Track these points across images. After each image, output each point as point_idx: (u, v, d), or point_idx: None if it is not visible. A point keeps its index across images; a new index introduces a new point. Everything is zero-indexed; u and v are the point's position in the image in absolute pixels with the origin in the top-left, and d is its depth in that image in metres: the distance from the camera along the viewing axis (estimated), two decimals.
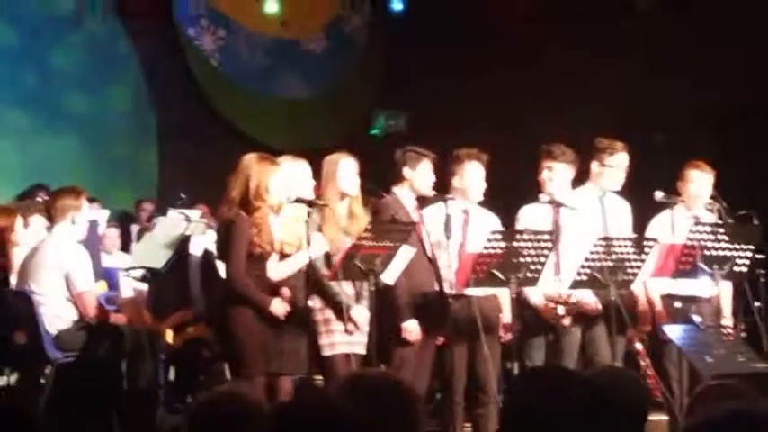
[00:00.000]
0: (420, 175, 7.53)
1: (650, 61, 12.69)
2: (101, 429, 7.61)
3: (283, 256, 7.06)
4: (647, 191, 7.93)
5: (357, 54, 15.53)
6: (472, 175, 7.68)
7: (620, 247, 7.29)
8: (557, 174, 7.79)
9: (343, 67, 15.33)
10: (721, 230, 7.50)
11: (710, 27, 12.30)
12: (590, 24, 12.84)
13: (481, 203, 7.81)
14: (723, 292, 7.78)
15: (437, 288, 7.40)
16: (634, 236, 7.74)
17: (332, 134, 13.71)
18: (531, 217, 7.77)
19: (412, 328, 7.27)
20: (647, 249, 7.35)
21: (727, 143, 11.55)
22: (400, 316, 7.27)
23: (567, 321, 7.62)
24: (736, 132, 12.03)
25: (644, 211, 8.15)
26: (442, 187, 7.68)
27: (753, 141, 11.94)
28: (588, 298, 7.59)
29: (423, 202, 7.64)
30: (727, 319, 7.94)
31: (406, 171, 7.55)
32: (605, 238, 7.36)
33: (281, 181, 7.04)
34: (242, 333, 6.85)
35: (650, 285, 7.86)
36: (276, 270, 7.01)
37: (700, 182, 8.07)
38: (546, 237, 7.17)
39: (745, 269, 7.62)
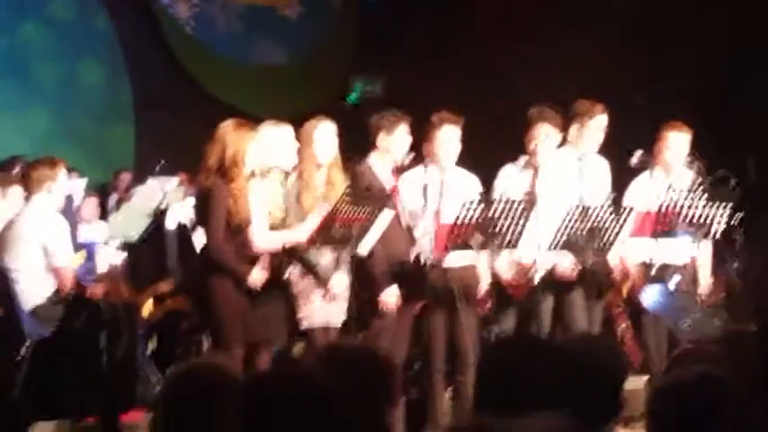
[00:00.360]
0: (396, 140, 7.47)
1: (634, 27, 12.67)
2: (79, 403, 7.59)
3: (276, 223, 7.02)
4: (629, 152, 7.92)
5: (332, 18, 15.45)
6: (446, 140, 7.58)
7: (596, 214, 7.29)
8: (546, 136, 7.77)
9: (318, 33, 15.25)
10: (698, 191, 7.51)
11: None
12: None
13: (462, 166, 7.76)
14: (702, 254, 7.79)
15: (413, 256, 7.39)
16: (610, 202, 7.70)
17: (309, 100, 13.64)
18: (504, 183, 7.74)
19: (390, 297, 7.26)
20: (623, 217, 7.34)
21: (704, 107, 11.55)
22: (378, 284, 7.25)
23: (524, 297, 7.63)
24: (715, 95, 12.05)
25: (625, 173, 8.14)
26: (419, 152, 7.64)
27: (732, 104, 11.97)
28: (564, 264, 7.58)
29: (400, 168, 7.59)
30: (706, 282, 7.95)
31: (381, 137, 7.49)
32: (582, 207, 7.35)
33: (265, 146, 6.99)
34: (220, 303, 6.83)
35: (626, 252, 7.84)
36: (267, 239, 6.96)
37: (677, 142, 8.05)
38: (521, 204, 7.15)
39: (722, 228, 7.63)
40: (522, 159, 7.79)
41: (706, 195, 7.48)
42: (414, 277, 7.33)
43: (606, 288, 7.54)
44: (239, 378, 3.54)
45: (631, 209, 7.47)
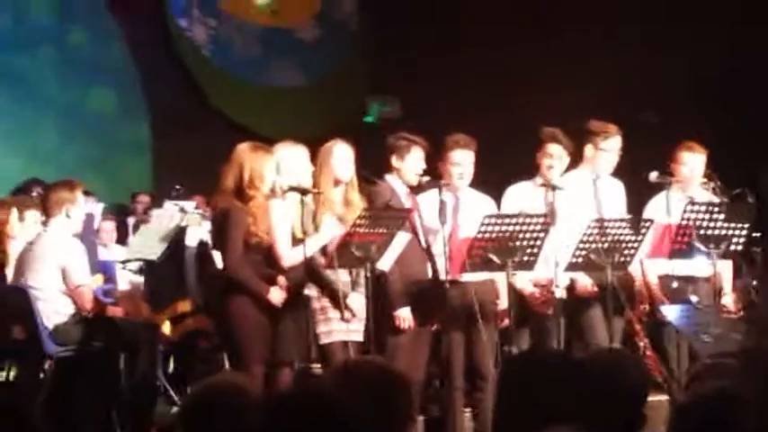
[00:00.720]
0: (408, 163, 7.51)
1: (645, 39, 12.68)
2: (100, 423, 7.60)
3: (294, 240, 7.04)
4: (642, 172, 7.92)
5: (348, 40, 15.50)
6: (458, 162, 7.62)
7: (615, 228, 7.30)
8: (558, 158, 7.79)
9: (335, 55, 15.31)
10: (716, 209, 7.52)
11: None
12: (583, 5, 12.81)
13: (477, 187, 7.80)
14: (723, 269, 7.80)
15: (431, 276, 7.40)
16: (629, 217, 7.74)
17: (326, 122, 13.67)
18: (517, 198, 7.76)
19: (405, 316, 7.27)
20: (642, 230, 7.35)
21: (718, 120, 11.55)
22: (393, 304, 7.27)
23: (550, 310, 7.61)
24: (729, 108, 12.04)
25: (638, 193, 8.14)
26: (437, 173, 7.67)
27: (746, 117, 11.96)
28: (583, 280, 7.58)
29: (417, 188, 7.62)
30: (728, 296, 7.96)
31: (394, 160, 7.54)
32: (600, 220, 7.36)
33: (280, 166, 7.03)
34: (240, 322, 6.85)
35: (647, 266, 7.86)
36: (290, 256, 6.98)
37: (692, 163, 8.07)
38: (541, 220, 7.17)
39: (740, 248, 7.64)
40: (538, 179, 7.80)
41: (724, 214, 7.48)
42: (431, 296, 7.34)
43: (627, 303, 7.52)
44: (259, 397, 3.55)
45: (651, 221, 7.47)
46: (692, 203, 7.60)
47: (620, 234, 7.29)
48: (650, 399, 4.14)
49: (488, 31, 13.59)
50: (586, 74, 12.43)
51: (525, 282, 7.58)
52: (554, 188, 7.63)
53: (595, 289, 7.52)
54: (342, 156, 7.30)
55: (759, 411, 2.88)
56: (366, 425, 3.01)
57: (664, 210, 7.80)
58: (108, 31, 13.77)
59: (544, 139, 7.83)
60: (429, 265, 7.44)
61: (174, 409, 8.01)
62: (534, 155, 7.85)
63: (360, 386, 3.33)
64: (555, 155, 7.78)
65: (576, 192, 7.77)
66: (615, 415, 3.64)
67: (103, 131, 13.66)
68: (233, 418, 3.40)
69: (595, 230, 7.24)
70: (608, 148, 7.90)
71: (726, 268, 7.95)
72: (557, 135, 7.81)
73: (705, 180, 8.04)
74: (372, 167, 7.64)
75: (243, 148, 7.01)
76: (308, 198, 7.12)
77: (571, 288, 7.65)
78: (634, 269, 7.75)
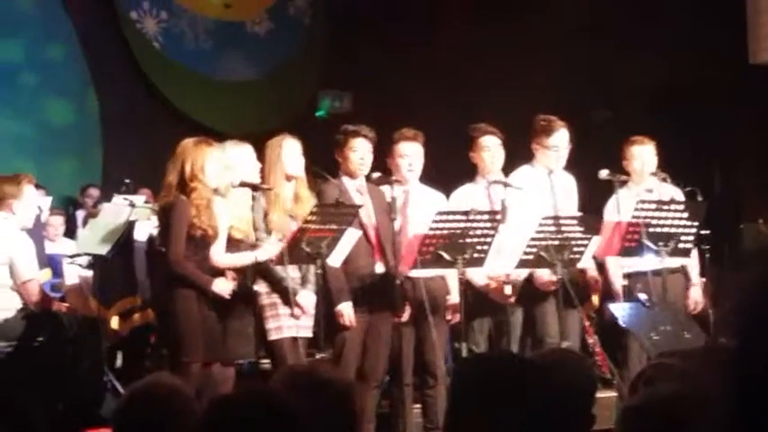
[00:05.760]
0: (349, 154, 7.46)
1: (593, 41, 12.72)
2: (45, 419, 7.51)
3: (231, 240, 7.02)
4: (592, 170, 7.94)
5: (301, 35, 15.46)
6: (407, 156, 7.62)
7: (566, 225, 7.31)
8: (496, 148, 7.80)
9: (287, 49, 15.26)
10: (666, 207, 7.55)
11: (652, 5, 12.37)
12: (533, 4, 12.82)
13: (427, 184, 7.79)
14: (690, 261, 7.93)
15: (381, 269, 7.38)
16: (579, 214, 7.76)
17: (278, 116, 13.64)
18: (463, 202, 7.73)
19: (345, 312, 7.21)
20: (592, 228, 7.37)
21: (668, 121, 11.61)
22: (333, 300, 7.23)
23: (512, 300, 7.62)
24: (678, 110, 12.12)
25: (589, 190, 8.16)
26: (388, 170, 7.66)
27: (694, 119, 12.03)
28: (544, 275, 7.57)
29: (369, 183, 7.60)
30: (696, 288, 8.01)
31: (337, 153, 7.52)
32: (551, 217, 7.37)
33: (228, 164, 7.01)
34: (181, 317, 6.80)
35: (610, 263, 7.88)
36: (221, 259, 6.97)
37: (643, 156, 8.12)
38: (492, 217, 7.17)
39: (690, 246, 7.68)
40: (489, 177, 7.79)
41: (674, 212, 7.51)
42: (379, 289, 7.31)
43: (581, 299, 7.53)
44: (192, 398, 3.51)
45: (601, 218, 7.50)
46: (643, 201, 7.62)
47: (571, 231, 7.30)
48: (599, 395, 4.15)
49: (441, 28, 13.60)
50: (539, 72, 12.44)
51: (479, 275, 7.56)
52: (506, 185, 7.64)
53: (554, 279, 7.46)
54: (292, 151, 7.28)
55: (713, 413, 2.86)
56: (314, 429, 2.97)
57: (614, 207, 7.83)
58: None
59: (476, 135, 7.84)
60: (380, 260, 7.41)
61: None
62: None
63: (306, 393, 3.29)
64: (492, 146, 7.79)
65: (532, 187, 7.78)
66: (564, 415, 3.62)
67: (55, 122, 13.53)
68: (165, 419, 3.36)
69: (545, 228, 7.25)
70: (554, 144, 7.90)
71: (693, 260, 7.99)
72: (487, 127, 7.83)
73: (656, 170, 8.06)
74: (323, 163, 7.60)
75: (185, 143, 7.03)
76: (259, 195, 7.10)
77: (529, 280, 7.66)
78: (589, 266, 7.77)
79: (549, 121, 7.93)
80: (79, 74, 13.71)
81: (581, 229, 7.34)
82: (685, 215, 7.53)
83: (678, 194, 8.01)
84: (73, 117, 13.69)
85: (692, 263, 8.06)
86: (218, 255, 6.98)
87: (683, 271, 7.87)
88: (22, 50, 13.34)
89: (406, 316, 7.45)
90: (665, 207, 7.57)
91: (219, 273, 6.93)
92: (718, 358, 1.46)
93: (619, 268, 7.94)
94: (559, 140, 7.90)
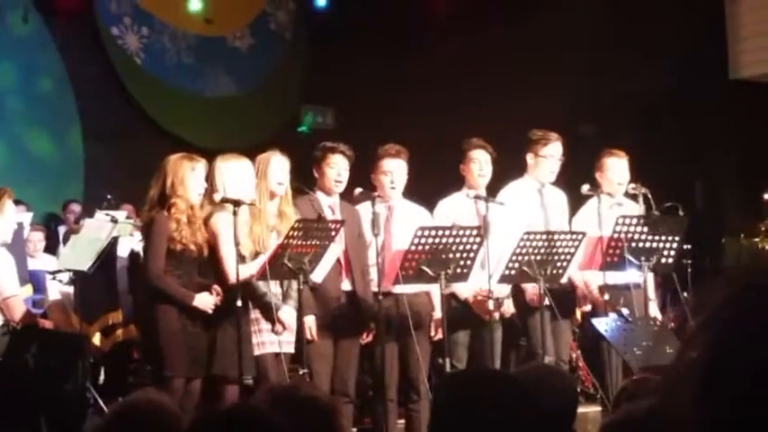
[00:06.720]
0: (325, 171, 7.47)
1: (579, 55, 12.77)
2: None
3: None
4: (577, 184, 7.98)
5: (283, 50, 15.48)
6: (391, 172, 7.63)
7: (548, 240, 7.33)
8: (486, 163, 7.83)
9: (269, 64, 15.28)
10: (648, 222, 7.58)
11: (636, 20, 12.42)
12: (516, 19, 12.86)
13: (410, 198, 7.80)
14: (647, 278, 7.87)
15: (348, 287, 7.39)
16: (561, 230, 7.78)
17: (260, 131, 13.64)
18: (448, 211, 7.76)
19: (307, 325, 7.13)
20: (575, 242, 7.40)
21: (650, 136, 11.66)
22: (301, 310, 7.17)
23: (496, 315, 7.64)
24: (660, 125, 12.17)
25: (574, 204, 8.20)
26: (371, 186, 7.66)
27: (676, 133, 12.09)
28: (532, 289, 7.59)
29: (349, 200, 7.60)
30: (653, 303, 8.01)
31: (316, 167, 7.53)
32: (530, 233, 7.39)
33: (224, 179, 6.98)
34: (163, 332, 6.78)
35: (587, 277, 7.90)
36: (240, 273, 6.82)
37: (616, 168, 8.15)
38: (474, 232, 7.18)
39: (671, 260, 7.71)
40: (471, 192, 7.81)
41: (654, 227, 7.54)
42: (345, 309, 7.33)
43: (559, 315, 7.56)
44: (177, 412, 3.50)
45: (584, 234, 7.52)
46: (625, 216, 7.65)
47: (553, 246, 7.33)
48: (583, 410, 4.15)
49: (424, 43, 13.63)
50: (525, 88, 12.48)
51: (465, 288, 7.58)
52: (487, 200, 7.66)
53: (537, 293, 7.46)
54: (279, 167, 7.26)
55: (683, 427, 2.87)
56: None
57: (595, 222, 7.84)
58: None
59: (467, 147, 7.87)
60: (347, 278, 7.41)
61: None
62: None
63: (286, 412, 3.29)
64: (482, 160, 7.82)
65: (522, 202, 7.82)
66: (545, 430, 3.63)
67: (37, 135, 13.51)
68: None
69: (528, 243, 7.27)
70: (549, 155, 7.96)
71: (649, 282, 8.00)
72: (479, 141, 7.87)
73: (634, 186, 8.08)
74: (304, 179, 7.61)
75: (168, 159, 7.01)
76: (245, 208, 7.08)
77: (519, 293, 7.68)
78: (574, 276, 7.80)
79: (545, 133, 8.01)
80: (61, 89, 13.69)
81: (563, 244, 7.37)
82: (666, 230, 7.55)
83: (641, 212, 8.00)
84: (55, 147, 13.67)
85: (649, 278, 8.06)
86: (233, 272, 6.84)
87: (643, 286, 7.86)
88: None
89: (369, 337, 7.48)
90: (647, 222, 7.60)
91: (207, 287, 6.90)
92: (687, 372, 1.47)
93: (594, 281, 7.96)
94: (554, 151, 7.96)
